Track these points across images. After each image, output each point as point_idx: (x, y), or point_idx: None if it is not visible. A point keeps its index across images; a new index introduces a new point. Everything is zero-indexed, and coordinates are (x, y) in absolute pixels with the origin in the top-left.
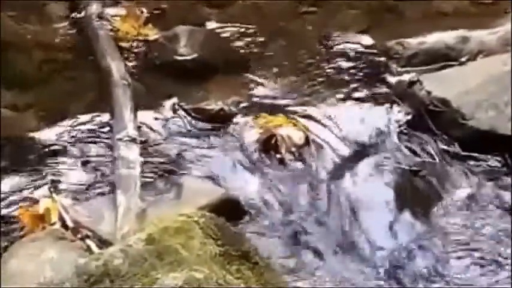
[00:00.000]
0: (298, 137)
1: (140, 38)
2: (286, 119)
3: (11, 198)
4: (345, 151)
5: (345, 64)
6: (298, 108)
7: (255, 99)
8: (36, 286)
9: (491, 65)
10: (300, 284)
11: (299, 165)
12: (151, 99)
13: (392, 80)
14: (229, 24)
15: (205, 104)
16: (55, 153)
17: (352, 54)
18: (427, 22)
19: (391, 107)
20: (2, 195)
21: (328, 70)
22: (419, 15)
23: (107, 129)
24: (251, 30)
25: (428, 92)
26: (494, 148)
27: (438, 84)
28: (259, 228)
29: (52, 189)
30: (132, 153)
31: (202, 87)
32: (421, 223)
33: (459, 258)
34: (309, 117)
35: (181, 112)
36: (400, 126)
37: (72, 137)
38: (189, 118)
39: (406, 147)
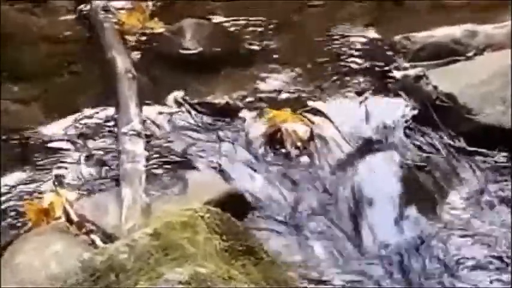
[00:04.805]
0: (303, 131)
1: (146, 31)
2: (291, 114)
3: (16, 192)
4: (351, 146)
5: (351, 58)
6: (304, 103)
7: (260, 94)
8: (42, 280)
9: (498, 59)
10: (305, 279)
11: (304, 159)
12: (157, 93)
13: (398, 74)
14: (235, 18)
15: (210, 98)
16: (60, 147)
17: (358, 48)
18: (435, 16)
19: (397, 102)
20: (7, 189)
21: (335, 64)
22: (427, 8)
23: (112, 123)
24: (257, 24)
25: (435, 87)
26: (501, 143)
27: (445, 79)
28: (265, 223)
29: (56, 183)
30: (137, 147)
31: (207, 81)
32: (426, 218)
33: (464, 253)
34: (314, 111)
35: (186, 106)
36: (406, 121)
37: (77, 130)
38: (194, 112)
39: (412, 142)
